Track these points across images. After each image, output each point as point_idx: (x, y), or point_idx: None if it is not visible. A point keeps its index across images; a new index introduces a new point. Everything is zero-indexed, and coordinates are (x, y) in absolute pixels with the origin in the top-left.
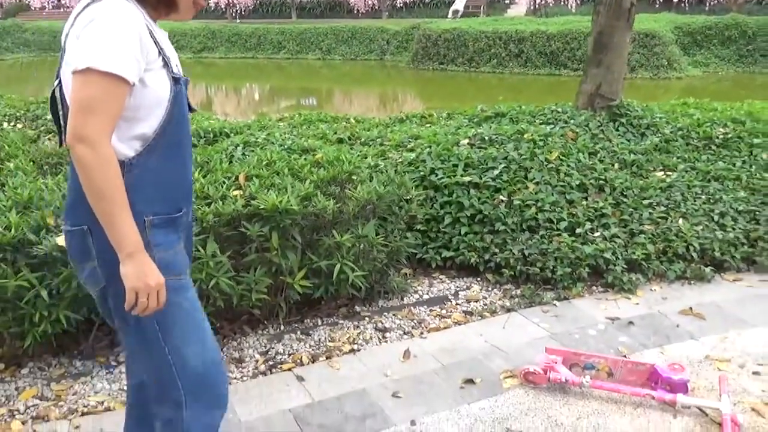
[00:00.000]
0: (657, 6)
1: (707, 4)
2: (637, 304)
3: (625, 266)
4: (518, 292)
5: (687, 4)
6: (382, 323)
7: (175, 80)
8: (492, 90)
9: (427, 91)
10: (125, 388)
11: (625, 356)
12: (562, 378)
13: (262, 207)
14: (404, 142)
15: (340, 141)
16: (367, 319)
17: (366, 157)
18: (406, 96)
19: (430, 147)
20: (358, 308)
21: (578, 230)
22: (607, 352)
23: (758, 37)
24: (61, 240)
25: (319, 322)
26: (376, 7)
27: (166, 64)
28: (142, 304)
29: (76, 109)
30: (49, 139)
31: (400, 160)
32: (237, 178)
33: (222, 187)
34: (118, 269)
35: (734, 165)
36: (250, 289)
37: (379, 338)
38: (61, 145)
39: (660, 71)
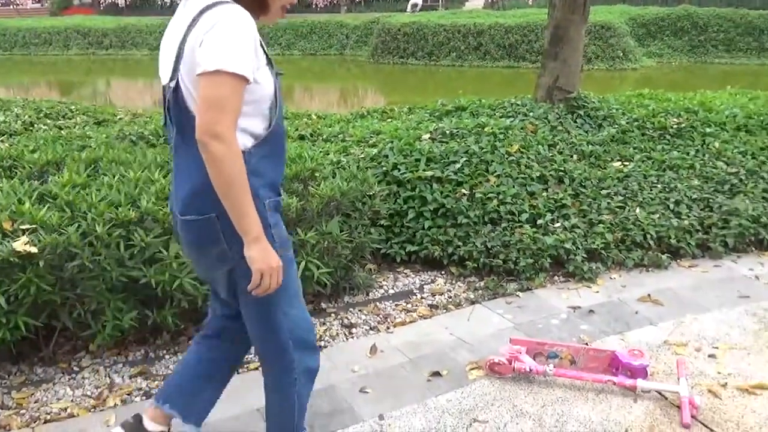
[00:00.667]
0: None
1: None
2: (598, 292)
3: (585, 256)
4: (482, 284)
5: None
6: (348, 319)
7: (276, 75)
8: (452, 83)
9: (388, 86)
10: (89, 393)
11: (586, 344)
12: (527, 367)
13: None
14: (366, 137)
15: (302, 138)
16: (333, 315)
17: (328, 154)
18: (367, 91)
19: (392, 142)
20: (324, 305)
21: (539, 221)
22: (570, 341)
23: (709, 28)
24: (18, 245)
25: None
26: (335, 2)
27: (269, 61)
28: (265, 284)
29: (207, 108)
30: (1, 141)
31: (362, 155)
32: None
33: None
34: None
35: (688, 154)
36: None
37: (345, 334)
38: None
39: (615, 62)
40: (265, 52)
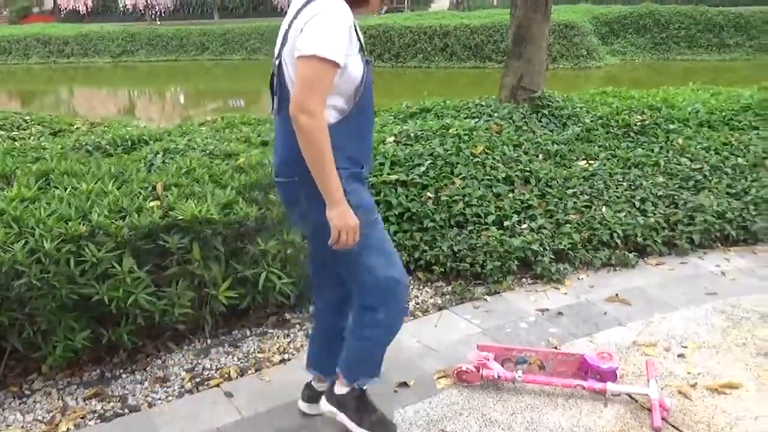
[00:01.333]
0: None
1: None
2: (566, 293)
3: (552, 257)
4: (449, 289)
5: None
6: None
7: (366, 62)
8: (419, 84)
9: None
10: (40, 417)
11: (555, 348)
12: (495, 374)
13: (180, 218)
14: None
15: (264, 144)
16: (297, 326)
17: None
18: None
19: None
20: (287, 316)
21: (506, 223)
22: (539, 345)
23: (671, 26)
24: None
25: (248, 333)
26: None
27: (362, 49)
28: (343, 240)
29: (301, 87)
30: None
31: None
32: (154, 188)
33: (138, 198)
34: (321, 212)
35: (652, 151)
36: (172, 304)
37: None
38: (272, 111)
39: (580, 61)
40: (359, 40)
